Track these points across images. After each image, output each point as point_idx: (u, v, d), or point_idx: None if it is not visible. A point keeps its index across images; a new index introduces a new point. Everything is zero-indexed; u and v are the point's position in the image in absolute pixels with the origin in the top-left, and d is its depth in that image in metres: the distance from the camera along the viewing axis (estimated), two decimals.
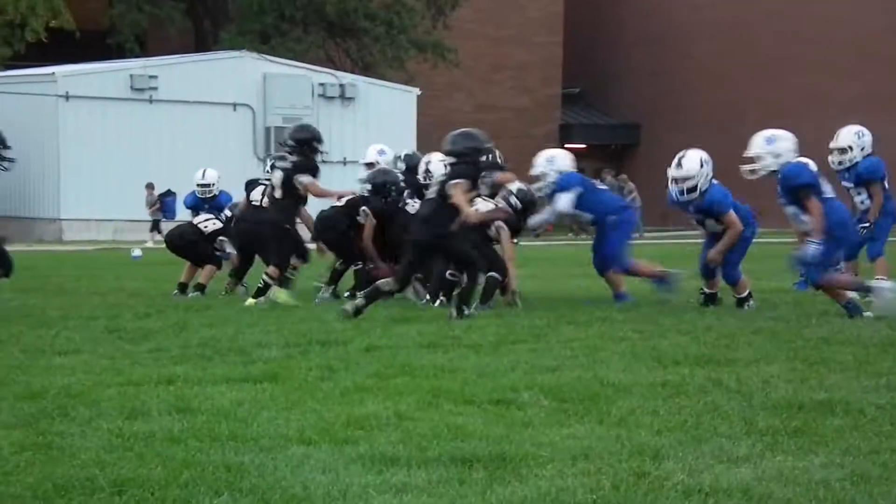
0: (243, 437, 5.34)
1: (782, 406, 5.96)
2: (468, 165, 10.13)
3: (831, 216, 9.67)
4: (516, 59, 45.87)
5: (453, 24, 41.58)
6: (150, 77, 32.39)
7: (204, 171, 13.64)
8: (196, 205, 13.52)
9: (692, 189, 10.63)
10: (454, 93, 43.55)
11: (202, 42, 41.06)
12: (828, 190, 9.89)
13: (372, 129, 33.20)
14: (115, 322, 9.87)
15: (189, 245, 12.86)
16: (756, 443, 5.22)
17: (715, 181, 10.81)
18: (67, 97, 31.36)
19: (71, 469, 4.75)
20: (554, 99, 46.06)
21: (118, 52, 38.50)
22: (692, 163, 10.69)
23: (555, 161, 11.45)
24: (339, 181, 33.35)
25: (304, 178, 11.15)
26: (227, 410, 5.93)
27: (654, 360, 7.50)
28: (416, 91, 36.10)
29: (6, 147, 11.07)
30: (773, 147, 9.90)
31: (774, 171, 9.88)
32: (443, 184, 10.13)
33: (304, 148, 11.35)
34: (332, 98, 34.79)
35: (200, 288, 12.72)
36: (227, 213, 13.14)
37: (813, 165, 10.29)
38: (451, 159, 10.25)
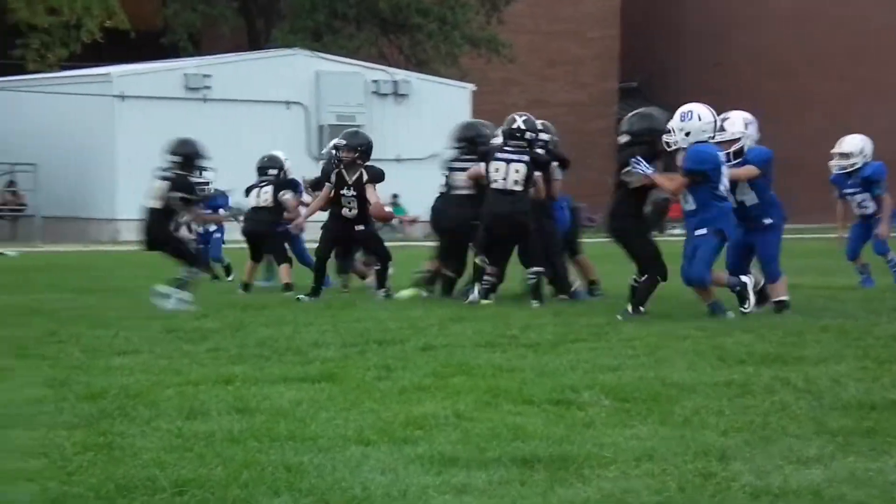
0: (302, 437, 5.36)
1: (853, 406, 5.88)
2: (646, 146, 9.89)
3: None
4: (571, 54, 45.73)
5: (507, 19, 41.54)
6: (204, 76, 32.62)
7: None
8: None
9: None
10: (509, 88, 43.49)
11: (255, 40, 41.32)
12: None
13: (426, 125, 33.22)
14: (173, 322, 9.95)
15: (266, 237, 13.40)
16: (827, 443, 5.15)
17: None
18: (122, 97, 31.67)
19: (132, 469, 4.79)
20: (610, 94, 45.87)
21: (172, 52, 38.85)
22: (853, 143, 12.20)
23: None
24: (393, 178, 33.60)
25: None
26: (286, 410, 5.96)
27: (719, 359, 7.44)
28: (471, 87, 36.06)
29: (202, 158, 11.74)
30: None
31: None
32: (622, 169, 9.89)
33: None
34: (385, 95, 34.86)
35: (288, 287, 12.97)
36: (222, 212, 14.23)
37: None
38: (625, 139, 10.04)
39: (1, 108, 32.84)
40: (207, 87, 32.52)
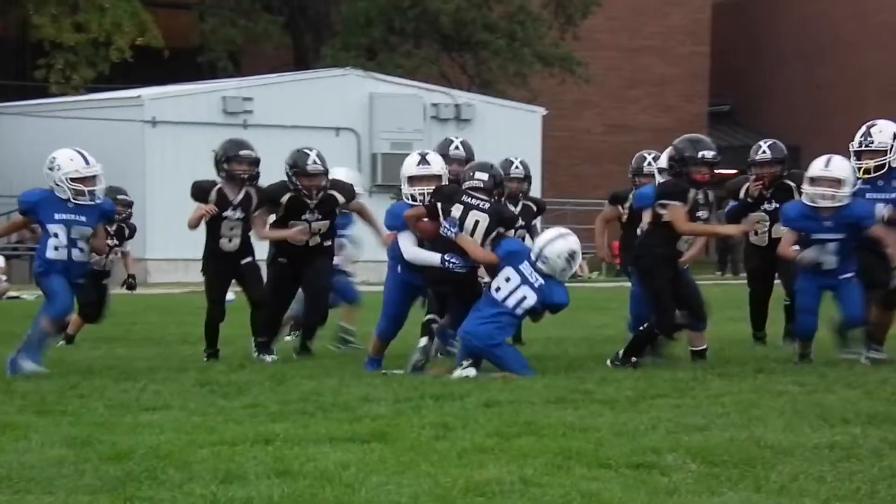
0: (350, 503, 5.39)
1: None
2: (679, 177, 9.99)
3: None
4: (655, 73, 45.72)
5: (583, 34, 41.61)
6: (245, 99, 32.99)
7: None
8: None
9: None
10: (583, 111, 43.58)
11: (302, 59, 41.72)
12: None
13: (490, 153, 33.16)
14: (207, 374, 10.03)
15: None
16: None
17: None
18: (154, 122, 32.10)
19: None
20: (699, 118, 45.75)
21: (210, 72, 39.32)
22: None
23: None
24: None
25: None
26: (332, 474, 5.99)
27: (820, 418, 7.39)
28: (542, 110, 36.16)
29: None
30: None
31: None
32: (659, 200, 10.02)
33: None
34: (446, 120, 35.02)
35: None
36: None
37: None
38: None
39: (21, 135, 33.39)
40: (248, 112, 32.87)
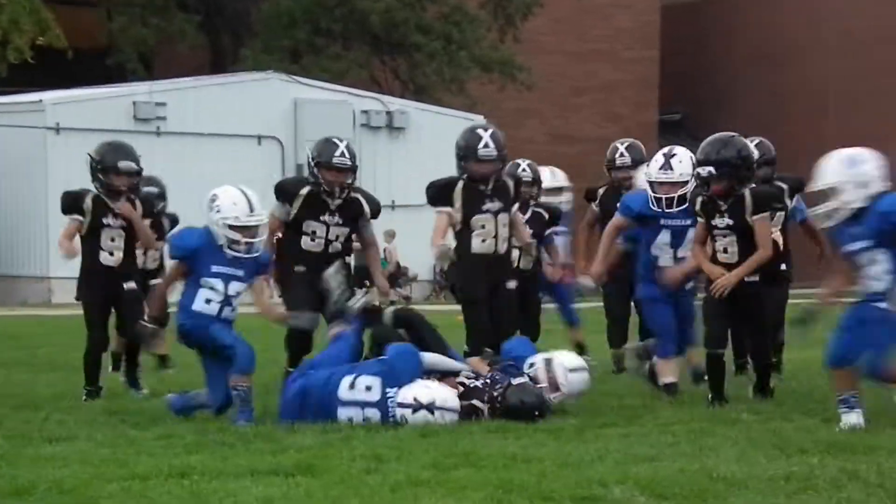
0: None
1: None
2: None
3: None
4: (602, 79, 46.02)
5: (525, 37, 41.81)
6: (158, 104, 32.82)
7: None
8: None
9: None
10: (525, 120, 43.75)
11: (220, 61, 41.59)
12: None
13: (425, 164, 33.36)
14: (117, 402, 9.99)
15: None
16: None
17: None
18: (58, 129, 31.86)
19: None
20: (649, 127, 46.09)
21: (119, 75, 39.09)
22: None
23: None
24: (386, 227, 33.64)
25: None
26: None
27: (776, 448, 7.49)
28: (481, 119, 36.29)
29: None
30: (855, 171, 9.52)
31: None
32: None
33: None
34: (377, 128, 35.07)
35: None
36: None
37: None
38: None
39: None
40: (161, 118, 32.71)
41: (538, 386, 9.28)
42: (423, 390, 8.87)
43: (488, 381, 9.12)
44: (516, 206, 10.54)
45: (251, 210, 9.34)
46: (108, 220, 10.59)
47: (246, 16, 42.33)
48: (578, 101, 45.71)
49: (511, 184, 10.47)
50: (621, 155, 12.18)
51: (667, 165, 10.28)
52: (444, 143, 36.76)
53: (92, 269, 10.59)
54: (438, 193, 10.46)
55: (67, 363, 13.70)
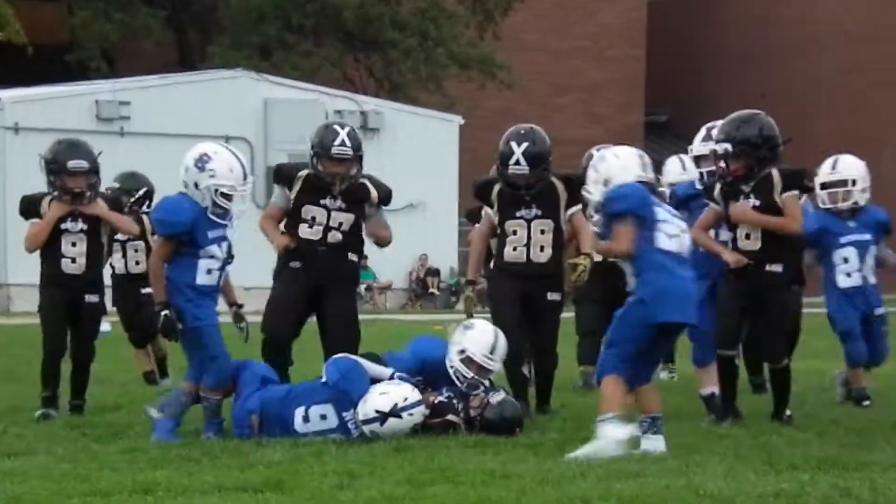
0: None
1: None
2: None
3: None
4: (586, 78, 46.11)
5: (505, 34, 41.87)
6: (122, 104, 32.78)
7: None
8: None
9: None
10: (506, 120, 43.76)
11: (186, 58, 41.56)
12: None
13: (401, 167, 33.41)
14: (78, 415, 9.95)
15: None
16: None
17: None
18: (17, 129, 31.80)
19: None
20: (635, 129, 46.23)
21: (81, 73, 39.02)
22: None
23: None
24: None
25: None
26: None
27: (765, 464, 7.51)
28: (459, 119, 36.34)
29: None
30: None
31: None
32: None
33: None
34: None
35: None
36: None
37: None
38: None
39: None
40: (125, 118, 32.68)
41: (470, 379, 9.21)
42: (381, 399, 8.79)
43: (452, 395, 9.13)
44: (577, 207, 10.11)
45: (245, 178, 9.10)
46: (68, 224, 10.27)
47: (214, 11, 42.30)
48: (561, 101, 45.77)
49: (560, 187, 10.13)
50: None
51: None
52: (421, 144, 37.14)
53: (52, 277, 10.31)
54: (481, 190, 10.24)
55: (26, 375, 13.64)
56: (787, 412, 9.40)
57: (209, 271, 9.03)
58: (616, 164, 8.64)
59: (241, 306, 9.43)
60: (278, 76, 35.97)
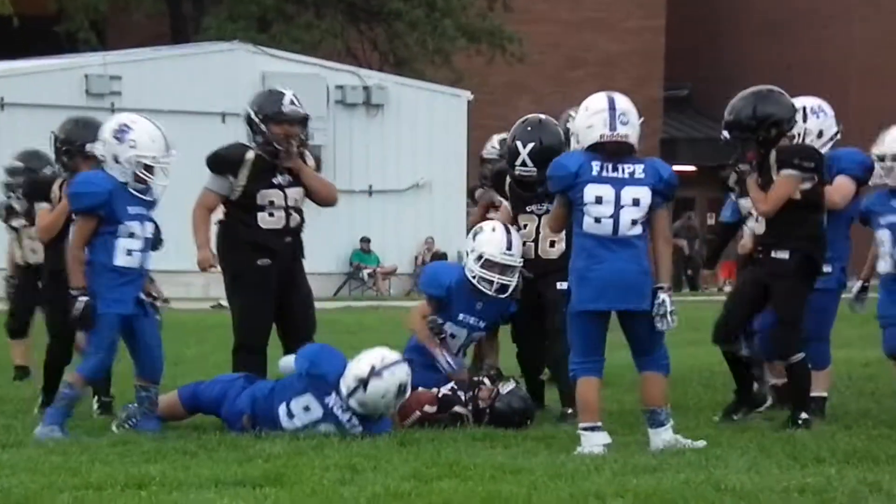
0: None
1: None
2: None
3: None
4: (601, 51, 46.02)
5: (516, 5, 41.80)
6: (112, 78, 32.73)
7: None
8: None
9: None
10: (516, 96, 43.74)
11: (180, 31, 41.48)
12: None
13: (406, 144, 33.41)
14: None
15: None
16: None
17: None
18: (2, 104, 31.81)
19: None
20: (653, 104, 46.09)
21: (69, 45, 38.98)
22: None
23: None
24: (363, 216, 33.63)
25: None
26: None
27: (790, 457, 7.52)
28: (468, 95, 36.26)
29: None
30: None
31: None
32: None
33: None
34: (353, 105, 34.99)
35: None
36: None
37: None
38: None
39: None
40: (116, 93, 32.62)
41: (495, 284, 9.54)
42: (359, 365, 8.75)
43: (456, 386, 9.18)
44: None
45: (167, 149, 8.96)
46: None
47: None
48: (574, 74, 45.64)
49: None
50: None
51: None
52: (427, 121, 36.98)
53: (21, 266, 10.22)
54: (497, 179, 10.33)
55: (10, 364, 13.68)
56: (803, 415, 8.90)
57: (129, 252, 8.82)
58: (582, 123, 8.78)
59: (156, 299, 9.34)
60: (277, 49, 35.90)
